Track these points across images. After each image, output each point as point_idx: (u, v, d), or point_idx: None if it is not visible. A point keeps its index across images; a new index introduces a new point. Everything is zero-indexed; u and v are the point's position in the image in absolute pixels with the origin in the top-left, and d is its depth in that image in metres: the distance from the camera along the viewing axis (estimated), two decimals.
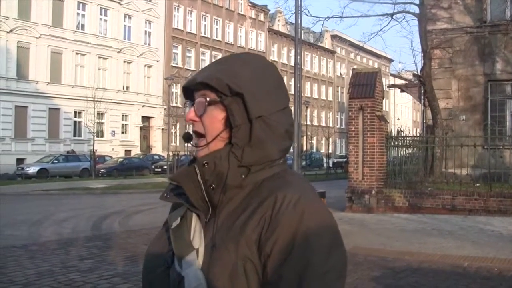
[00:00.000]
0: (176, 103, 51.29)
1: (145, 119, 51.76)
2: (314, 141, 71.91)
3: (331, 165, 55.16)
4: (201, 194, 1.36)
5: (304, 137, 54.94)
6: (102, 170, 38.78)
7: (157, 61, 52.75)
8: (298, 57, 17.22)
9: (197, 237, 1.35)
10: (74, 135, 45.67)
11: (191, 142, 1.46)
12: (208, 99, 1.38)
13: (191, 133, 1.47)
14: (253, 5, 66.85)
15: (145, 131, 52.19)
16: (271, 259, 1.28)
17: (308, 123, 63.60)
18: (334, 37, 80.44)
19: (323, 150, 71.04)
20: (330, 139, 69.56)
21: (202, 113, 1.39)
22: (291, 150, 18.51)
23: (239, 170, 1.36)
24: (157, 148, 52.05)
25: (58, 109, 44.23)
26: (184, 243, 1.35)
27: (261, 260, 1.29)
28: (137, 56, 50.92)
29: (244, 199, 1.37)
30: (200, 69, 1.49)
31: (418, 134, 21.47)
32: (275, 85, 1.44)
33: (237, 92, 1.36)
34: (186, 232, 1.36)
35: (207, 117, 1.39)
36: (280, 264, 1.27)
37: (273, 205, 1.31)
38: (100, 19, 48.06)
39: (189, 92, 1.47)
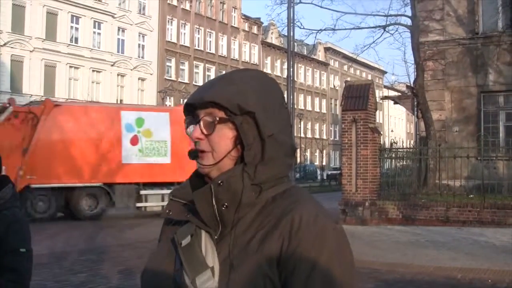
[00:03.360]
0: None
1: None
2: (308, 153, 71.90)
3: (325, 177, 55.20)
4: (212, 212, 1.34)
5: (298, 150, 54.93)
6: None
7: (151, 74, 52.70)
8: (291, 70, 17.28)
9: (210, 255, 1.34)
10: None
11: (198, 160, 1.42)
12: (217, 118, 1.36)
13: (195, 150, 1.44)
14: (247, 18, 66.98)
15: None
16: (295, 275, 1.28)
17: (302, 135, 63.67)
18: (327, 49, 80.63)
19: (317, 162, 71.05)
20: (324, 151, 69.57)
21: (211, 131, 1.37)
22: None
23: (253, 189, 1.36)
24: None
25: None
26: (197, 261, 1.32)
27: (282, 277, 1.29)
28: (131, 69, 50.85)
29: (256, 216, 1.36)
30: (204, 85, 1.46)
31: (411, 146, 21.51)
32: (280, 102, 1.45)
33: (247, 111, 1.35)
34: (198, 251, 1.34)
35: (216, 135, 1.37)
36: (305, 281, 1.27)
37: (291, 222, 1.31)
38: (94, 32, 47.99)
39: (190, 108, 1.43)
